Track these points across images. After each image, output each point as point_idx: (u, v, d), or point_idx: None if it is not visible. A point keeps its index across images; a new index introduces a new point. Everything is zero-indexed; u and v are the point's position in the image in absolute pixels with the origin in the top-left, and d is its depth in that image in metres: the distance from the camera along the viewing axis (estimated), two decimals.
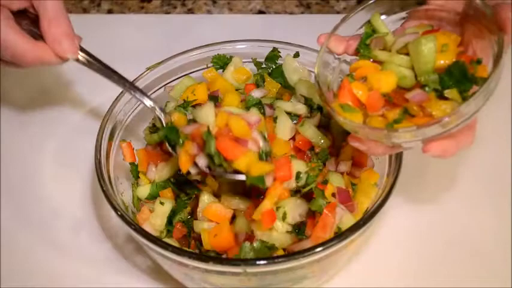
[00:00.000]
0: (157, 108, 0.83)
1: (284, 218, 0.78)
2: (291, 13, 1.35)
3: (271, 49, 0.96)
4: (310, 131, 0.85)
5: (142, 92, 0.83)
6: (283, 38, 0.95)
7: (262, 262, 0.69)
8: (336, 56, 0.77)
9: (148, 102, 0.83)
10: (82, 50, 0.81)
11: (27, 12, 0.82)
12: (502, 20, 0.65)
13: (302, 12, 1.35)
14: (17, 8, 0.79)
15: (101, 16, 1.35)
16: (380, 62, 0.73)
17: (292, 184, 0.80)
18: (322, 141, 0.85)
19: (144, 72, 0.93)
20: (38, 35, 0.80)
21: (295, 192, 0.81)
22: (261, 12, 1.36)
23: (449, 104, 0.66)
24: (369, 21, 0.75)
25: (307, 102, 0.90)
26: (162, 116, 0.83)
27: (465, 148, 0.67)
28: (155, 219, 0.83)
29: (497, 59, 0.64)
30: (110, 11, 1.37)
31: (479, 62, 0.67)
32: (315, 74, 0.74)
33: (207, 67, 0.97)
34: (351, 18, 0.75)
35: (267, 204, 0.76)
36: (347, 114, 0.68)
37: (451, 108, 0.65)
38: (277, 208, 0.78)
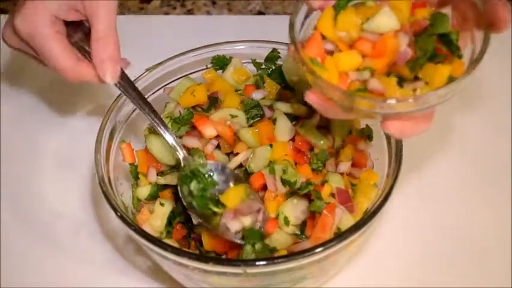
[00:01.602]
0: (178, 150, 0.83)
1: (287, 222, 0.79)
2: (291, 14, 1.34)
3: (270, 50, 0.96)
4: (309, 132, 0.85)
5: (167, 130, 0.82)
6: (283, 38, 0.95)
7: (262, 263, 0.69)
8: (309, 11, 0.72)
9: (171, 141, 0.82)
10: (123, 77, 0.81)
11: (83, 24, 0.82)
12: (499, 20, 0.63)
13: None
14: (72, 19, 0.79)
15: None
16: None
17: (282, 189, 0.80)
18: (321, 142, 0.85)
19: (143, 73, 0.93)
20: (86, 52, 0.80)
21: (292, 193, 0.82)
22: (260, 13, 1.36)
23: (419, 84, 0.64)
24: None
25: (307, 102, 0.90)
26: (181, 156, 0.83)
27: (420, 134, 0.65)
28: (155, 220, 0.83)
29: (479, 56, 0.62)
30: None
31: (459, 56, 0.65)
32: (289, 23, 0.70)
33: (207, 68, 0.97)
34: None
35: (270, 215, 0.80)
36: (314, 68, 0.65)
37: (418, 91, 0.63)
38: (277, 216, 0.79)
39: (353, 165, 0.87)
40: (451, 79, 0.62)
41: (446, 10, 0.66)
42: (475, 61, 0.62)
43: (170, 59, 0.95)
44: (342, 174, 0.85)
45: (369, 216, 0.73)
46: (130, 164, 0.90)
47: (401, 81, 0.64)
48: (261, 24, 1.32)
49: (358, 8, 0.67)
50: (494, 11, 0.63)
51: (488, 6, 0.64)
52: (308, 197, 0.80)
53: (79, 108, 1.14)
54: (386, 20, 0.64)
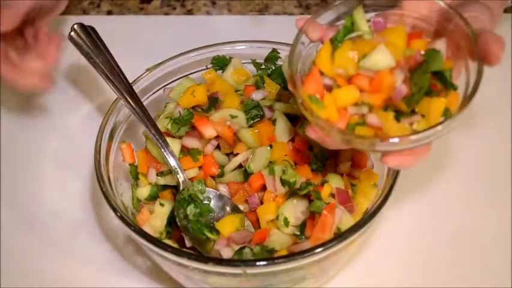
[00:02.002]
0: (179, 173, 0.84)
1: (287, 223, 0.79)
2: (291, 14, 1.35)
3: (270, 50, 0.96)
4: None
5: (171, 154, 0.84)
6: (283, 39, 0.95)
7: (262, 263, 0.69)
8: (308, 43, 0.72)
9: (173, 163, 0.84)
10: (135, 98, 0.85)
11: None
12: (490, 54, 0.63)
13: (301, 13, 1.35)
14: None
15: (100, 17, 1.35)
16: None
17: (281, 190, 0.80)
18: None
19: (143, 73, 0.93)
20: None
21: (292, 194, 0.82)
22: (260, 13, 1.36)
23: (416, 118, 0.65)
24: (351, 14, 0.70)
25: None
26: (181, 179, 0.84)
27: (419, 163, 0.66)
28: (155, 220, 0.83)
29: (473, 91, 0.62)
30: (109, 12, 1.37)
31: (454, 88, 0.65)
32: (288, 57, 0.70)
33: (207, 68, 0.97)
34: (334, 8, 0.71)
35: (270, 216, 0.80)
36: (313, 106, 0.65)
37: (409, 129, 0.64)
38: (277, 217, 0.79)
39: (353, 165, 0.87)
40: (446, 111, 0.64)
41: (442, 41, 0.67)
42: (469, 96, 0.63)
43: (170, 59, 0.95)
44: (341, 174, 0.85)
45: (369, 216, 0.73)
46: (130, 164, 0.90)
47: (398, 115, 0.65)
48: (260, 24, 1.32)
49: (355, 41, 0.67)
50: (486, 44, 0.63)
51: (480, 39, 0.64)
52: (308, 197, 0.80)
53: (79, 108, 1.14)
54: (381, 58, 0.64)
